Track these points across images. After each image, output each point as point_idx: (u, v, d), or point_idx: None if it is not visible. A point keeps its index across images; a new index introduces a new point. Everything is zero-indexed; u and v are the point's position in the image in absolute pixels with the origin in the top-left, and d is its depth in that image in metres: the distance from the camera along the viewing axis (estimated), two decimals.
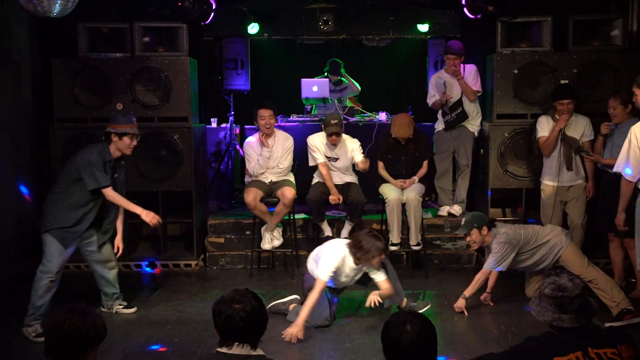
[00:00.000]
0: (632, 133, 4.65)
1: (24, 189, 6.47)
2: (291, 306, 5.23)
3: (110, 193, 5.00)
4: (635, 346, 2.70)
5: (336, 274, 4.92)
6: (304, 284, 5.22)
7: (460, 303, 5.34)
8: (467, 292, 5.35)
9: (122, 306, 5.41)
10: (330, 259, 4.87)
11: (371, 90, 9.45)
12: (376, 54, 9.73)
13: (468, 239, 5.32)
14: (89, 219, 5.07)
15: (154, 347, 4.69)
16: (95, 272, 5.32)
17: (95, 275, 5.35)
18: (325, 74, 8.58)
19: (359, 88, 8.58)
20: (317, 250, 5.16)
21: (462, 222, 5.36)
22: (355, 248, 4.83)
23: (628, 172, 4.70)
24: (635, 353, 2.68)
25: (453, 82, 6.78)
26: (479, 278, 5.33)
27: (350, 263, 4.91)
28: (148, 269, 6.66)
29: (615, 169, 4.82)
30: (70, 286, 5.61)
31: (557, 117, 5.91)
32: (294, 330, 4.68)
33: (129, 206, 5.13)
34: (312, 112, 8.16)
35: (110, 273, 5.34)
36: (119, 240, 5.34)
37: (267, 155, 6.39)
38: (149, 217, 5.10)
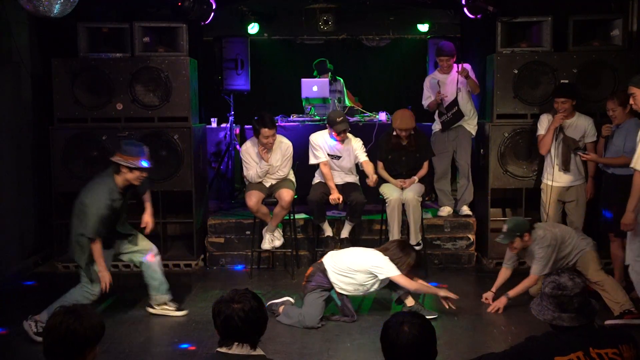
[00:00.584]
0: None
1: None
2: (281, 308, 5.21)
3: (93, 246, 4.86)
4: (636, 346, 2.69)
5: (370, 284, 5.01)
6: (311, 280, 5.15)
7: (502, 302, 5.31)
8: (512, 293, 5.31)
9: (173, 308, 5.31)
10: (382, 258, 4.97)
11: (371, 90, 9.46)
12: (376, 54, 9.74)
13: (510, 246, 5.29)
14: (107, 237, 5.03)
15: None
16: (141, 265, 5.27)
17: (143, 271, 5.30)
18: (315, 74, 8.58)
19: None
20: (340, 261, 5.07)
21: (504, 230, 5.28)
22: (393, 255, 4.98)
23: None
24: (636, 353, 2.68)
25: (447, 82, 6.77)
26: (527, 285, 5.29)
27: None
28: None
29: (631, 165, 4.77)
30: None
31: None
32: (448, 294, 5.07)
33: (99, 260, 4.89)
34: (310, 113, 8.11)
35: (153, 263, 5.24)
36: (148, 216, 5.22)
37: (266, 168, 6.34)
38: (104, 279, 4.89)
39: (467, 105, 6.83)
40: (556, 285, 2.72)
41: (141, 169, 4.89)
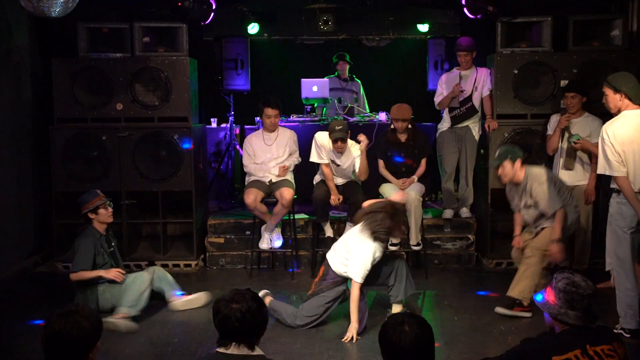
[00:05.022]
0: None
1: None
2: (267, 299, 5.15)
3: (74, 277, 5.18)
4: (624, 345, 2.76)
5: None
6: (325, 277, 5.03)
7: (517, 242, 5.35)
8: (555, 235, 5.16)
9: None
10: (363, 258, 4.78)
11: (371, 90, 9.45)
12: (376, 54, 9.73)
13: (500, 171, 5.27)
14: None
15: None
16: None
17: None
18: (336, 72, 8.59)
19: (367, 106, 8.56)
20: (338, 251, 5.01)
21: (496, 155, 5.36)
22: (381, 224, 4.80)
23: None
24: (625, 351, 2.73)
25: (468, 75, 6.75)
26: (560, 224, 5.13)
27: (379, 251, 4.89)
28: None
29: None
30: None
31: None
32: (353, 331, 4.72)
33: (92, 274, 5.18)
34: (313, 113, 8.10)
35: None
36: None
37: (269, 151, 6.45)
38: (110, 274, 5.18)
39: (478, 106, 6.80)
40: (570, 282, 2.77)
41: (103, 205, 5.33)
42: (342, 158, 6.33)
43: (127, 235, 6.64)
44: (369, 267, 4.81)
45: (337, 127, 6.14)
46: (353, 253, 4.85)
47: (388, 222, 4.80)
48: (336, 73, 8.63)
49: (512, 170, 5.24)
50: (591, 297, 2.76)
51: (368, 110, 8.19)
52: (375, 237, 4.83)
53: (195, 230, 6.69)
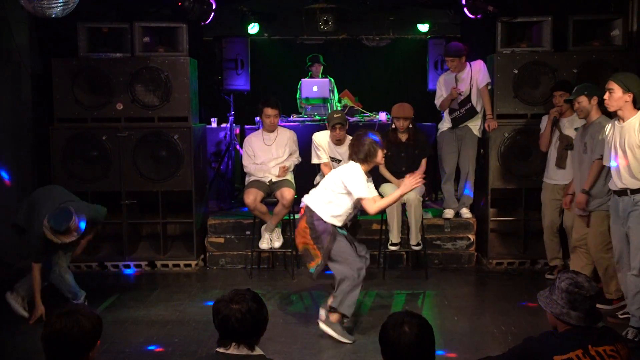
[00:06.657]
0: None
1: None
2: (330, 300, 4.83)
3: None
4: (627, 346, 2.76)
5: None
6: (318, 229, 4.77)
7: (583, 198, 5.21)
8: (587, 186, 5.17)
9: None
10: (357, 176, 4.73)
11: (371, 90, 9.46)
12: (376, 54, 9.75)
13: (576, 105, 5.24)
14: None
15: (152, 347, 4.70)
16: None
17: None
18: (309, 73, 8.60)
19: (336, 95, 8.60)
20: (319, 191, 4.91)
21: (574, 90, 5.28)
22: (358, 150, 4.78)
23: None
24: (628, 352, 2.73)
25: (462, 78, 6.75)
26: (596, 171, 5.09)
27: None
28: None
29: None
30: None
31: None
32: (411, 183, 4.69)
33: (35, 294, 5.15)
34: (303, 114, 8.10)
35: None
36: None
37: (268, 151, 6.46)
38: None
39: (477, 105, 6.80)
40: (573, 282, 2.76)
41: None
42: (342, 150, 6.26)
43: (127, 235, 6.64)
44: (365, 181, 4.76)
45: (335, 115, 6.19)
46: (344, 179, 4.74)
47: (365, 147, 4.76)
48: (309, 74, 8.64)
49: (588, 105, 5.17)
50: (594, 298, 2.76)
51: (337, 104, 8.25)
52: (353, 158, 4.81)
53: (195, 230, 6.69)
